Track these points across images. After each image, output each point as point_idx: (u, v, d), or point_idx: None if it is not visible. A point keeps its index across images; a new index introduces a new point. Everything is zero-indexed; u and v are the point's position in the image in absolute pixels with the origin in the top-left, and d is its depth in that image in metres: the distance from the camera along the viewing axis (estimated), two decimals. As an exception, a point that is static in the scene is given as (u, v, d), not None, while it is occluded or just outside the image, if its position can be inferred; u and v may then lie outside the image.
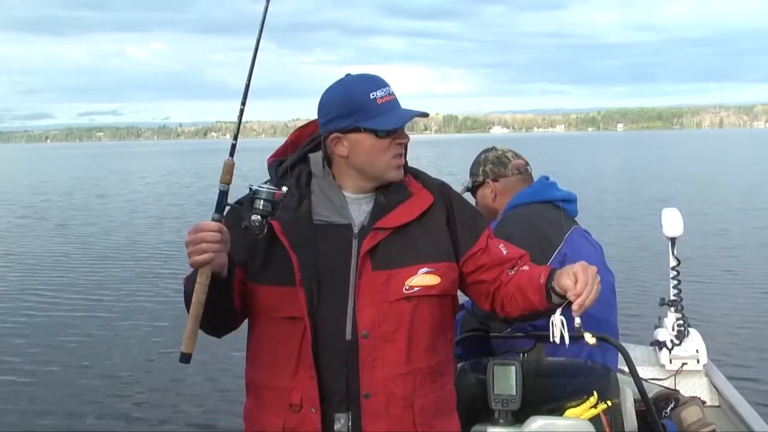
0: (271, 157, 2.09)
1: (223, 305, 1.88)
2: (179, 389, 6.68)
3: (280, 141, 2.16)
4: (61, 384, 6.92)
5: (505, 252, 2.06)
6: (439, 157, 63.64)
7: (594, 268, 1.87)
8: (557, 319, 1.91)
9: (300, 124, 2.19)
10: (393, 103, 1.95)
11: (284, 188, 1.84)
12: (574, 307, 1.82)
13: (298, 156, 2.06)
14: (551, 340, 1.92)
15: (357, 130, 1.93)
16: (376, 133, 1.92)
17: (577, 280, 1.83)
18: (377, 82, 1.95)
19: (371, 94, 1.92)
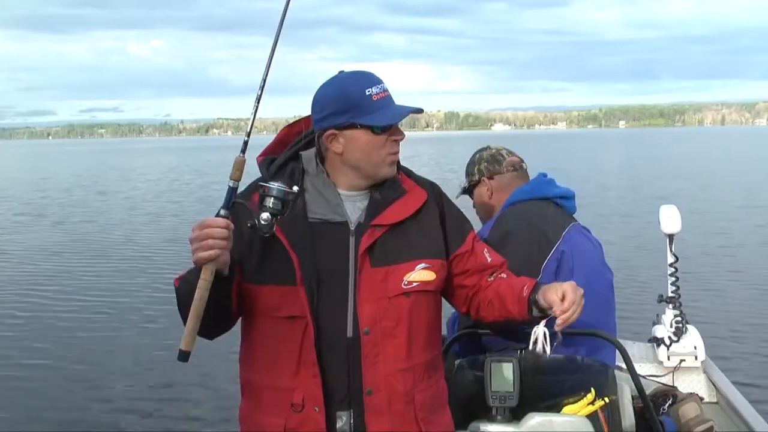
0: (260, 155, 2.08)
1: (222, 305, 1.86)
2: (172, 389, 6.68)
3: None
4: (52, 384, 6.90)
5: (489, 259, 2.11)
6: (440, 154, 63.59)
7: (581, 291, 1.93)
8: (540, 330, 1.97)
9: None
10: (388, 99, 1.95)
11: (295, 188, 1.84)
12: (558, 322, 1.89)
13: (289, 154, 2.05)
14: (530, 348, 2.00)
15: (353, 126, 1.92)
16: (372, 129, 1.92)
17: (564, 298, 1.90)
18: (372, 79, 1.95)
19: (367, 91, 1.91)
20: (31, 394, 6.64)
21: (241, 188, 1.88)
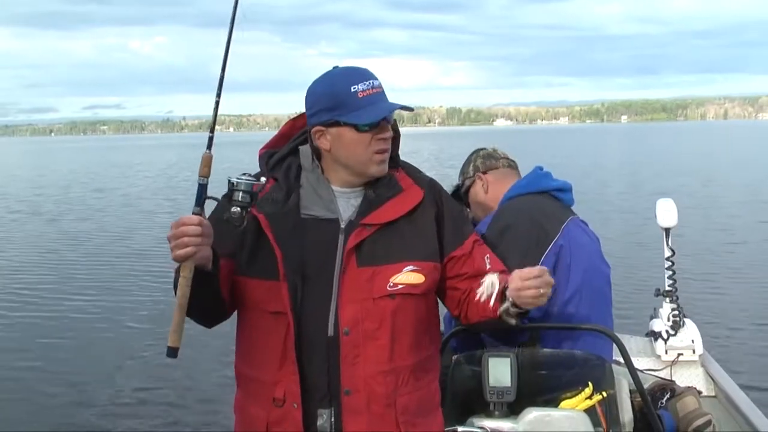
0: (263, 148, 2.08)
1: (210, 297, 1.88)
2: (168, 386, 6.64)
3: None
4: (45, 382, 6.86)
5: (488, 266, 2.05)
6: (441, 149, 63.38)
7: (545, 269, 1.92)
8: (490, 278, 1.94)
9: None
10: (376, 96, 1.91)
11: (263, 179, 1.83)
12: (513, 283, 1.89)
13: (290, 148, 2.04)
14: (478, 298, 1.96)
15: (338, 124, 1.91)
16: (357, 127, 1.90)
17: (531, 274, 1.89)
18: (361, 75, 1.92)
19: (352, 88, 1.89)
20: (25, 392, 6.61)
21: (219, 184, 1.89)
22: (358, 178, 1.97)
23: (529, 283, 1.88)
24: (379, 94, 1.92)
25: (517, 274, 1.91)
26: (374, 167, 1.95)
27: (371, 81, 1.92)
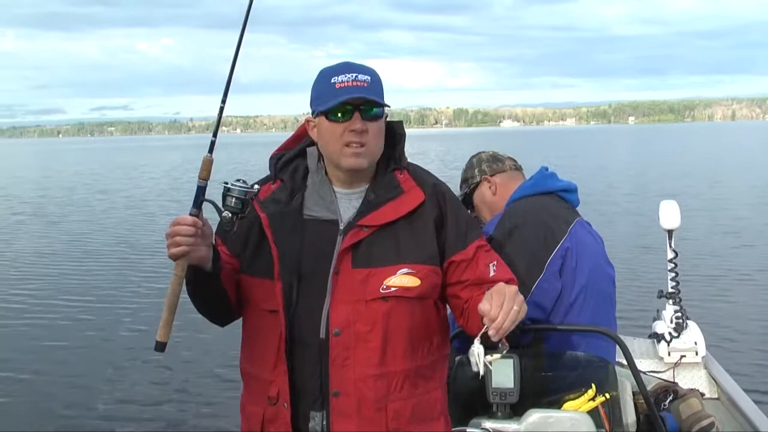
0: (276, 150, 2.09)
1: (212, 296, 1.90)
2: (170, 385, 6.66)
3: (290, 135, 2.15)
4: (46, 384, 6.86)
5: (492, 274, 1.97)
6: (447, 151, 63.23)
7: (512, 288, 1.78)
8: (476, 349, 1.80)
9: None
10: (355, 88, 1.87)
11: (256, 186, 1.84)
12: (491, 332, 1.72)
13: (299, 150, 2.05)
14: (474, 370, 1.81)
15: (316, 114, 1.93)
16: (327, 116, 1.90)
17: (491, 305, 1.73)
18: (347, 68, 1.91)
19: (332, 79, 1.89)
20: (29, 393, 6.61)
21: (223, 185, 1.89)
22: (342, 172, 1.96)
23: (510, 315, 1.72)
24: (360, 88, 1.88)
25: (485, 314, 1.74)
26: (346, 159, 1.91)
27: (355, 74, 1.89)
